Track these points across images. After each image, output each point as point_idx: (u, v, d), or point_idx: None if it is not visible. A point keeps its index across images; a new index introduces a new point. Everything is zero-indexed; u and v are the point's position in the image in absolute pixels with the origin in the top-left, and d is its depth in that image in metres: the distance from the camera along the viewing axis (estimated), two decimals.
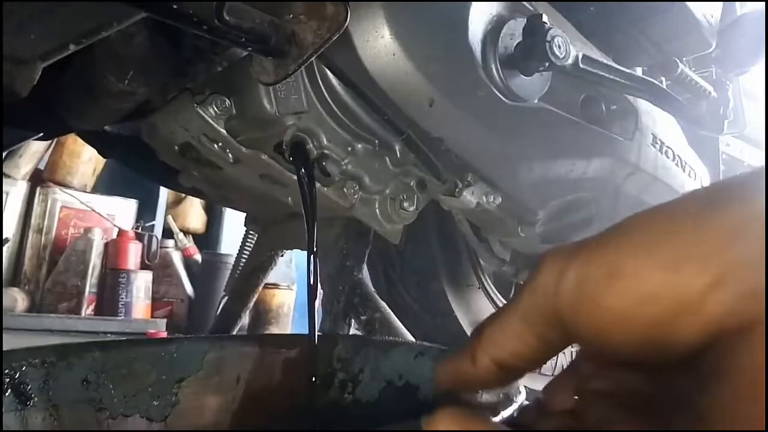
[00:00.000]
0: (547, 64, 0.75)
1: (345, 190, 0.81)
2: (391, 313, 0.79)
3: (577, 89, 0.87)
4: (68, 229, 3.00)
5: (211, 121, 0.76)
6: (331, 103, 0.75)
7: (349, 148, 0.81)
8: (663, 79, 0.91)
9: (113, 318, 2.86)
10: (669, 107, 0.91)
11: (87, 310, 2.86)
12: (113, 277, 2.91)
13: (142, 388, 0.66)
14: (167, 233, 3.34)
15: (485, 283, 1.18)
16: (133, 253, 3.00)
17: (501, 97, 0.79)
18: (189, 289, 3.18)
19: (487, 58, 0.76)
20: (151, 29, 0.66)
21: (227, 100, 0.74)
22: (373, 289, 0.83)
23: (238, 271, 1.13)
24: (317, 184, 0.80)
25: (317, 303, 0.69)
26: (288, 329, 3.34)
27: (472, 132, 0.80)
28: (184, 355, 0.70)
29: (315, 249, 0.70)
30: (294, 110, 0.74)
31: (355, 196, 0.82)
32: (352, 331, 0.77)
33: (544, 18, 0.74)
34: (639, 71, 1.03)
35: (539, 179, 0.88)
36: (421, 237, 1.09)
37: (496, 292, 1.21)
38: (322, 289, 0.84)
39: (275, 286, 3.18)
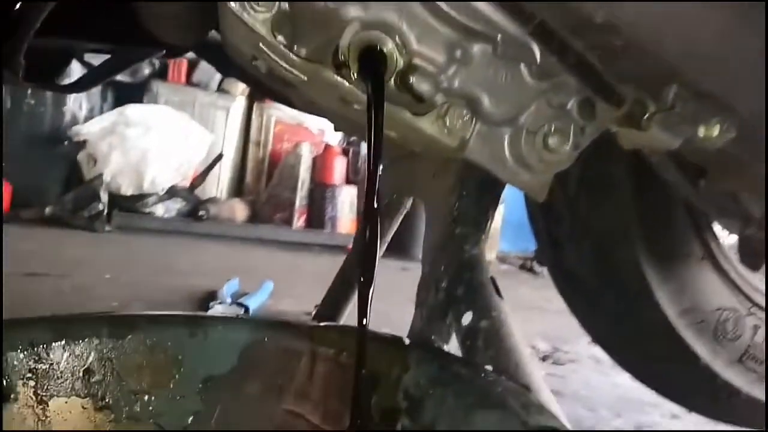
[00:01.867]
0: None
1: (448, 120, 0.52)
2: (507, 320, 0.50)
3: None
4: (282, 143, 3.14)
5: (253, 25, 0.53)
6: None
7: (457, 53, 0.51)
8: None
9: (320, 231, 2.98)
10: None
11: (298, 222, 3.02)
12: (320, 191, 3.00)
13: (159, 385, 0.51)
14: None
15: (715, 251, 0.77)
16: (339, 168, 3.04)
17: None
18: None
19: None
20: None
21: None
22: (490, 277, 0.54)
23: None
24: (408, 114, 0.53)
25: None
26: (494, 250, 3.12)
27: (678, 7, 0.43)
28: (216, 344, 0.53)
29: (376, 207, 0.45)
30: None
31: (468, 130, 0.53)
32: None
33: None
34: None
35: None
36: (601, 178, 0.72)
37: (735, 265, 0.78)
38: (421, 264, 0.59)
39: None
